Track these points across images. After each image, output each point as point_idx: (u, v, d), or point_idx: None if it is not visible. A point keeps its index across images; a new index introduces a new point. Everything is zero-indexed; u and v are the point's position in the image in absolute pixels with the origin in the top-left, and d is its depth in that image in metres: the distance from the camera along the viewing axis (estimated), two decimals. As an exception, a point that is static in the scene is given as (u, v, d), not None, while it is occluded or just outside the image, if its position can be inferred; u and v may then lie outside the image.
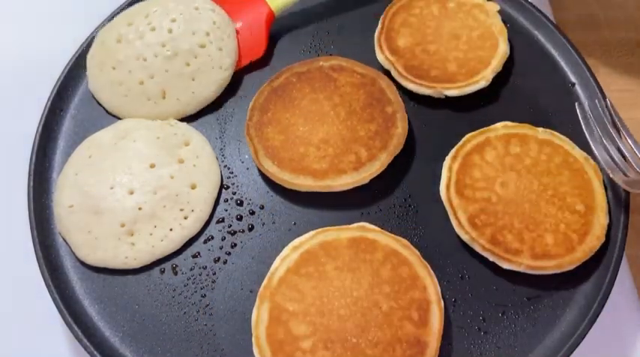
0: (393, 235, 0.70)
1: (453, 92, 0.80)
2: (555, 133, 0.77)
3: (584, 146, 0.77)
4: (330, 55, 0.86)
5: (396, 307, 0.66)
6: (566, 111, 0.81)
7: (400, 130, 0.77)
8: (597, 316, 0.67)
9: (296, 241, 0.71)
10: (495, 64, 0.81)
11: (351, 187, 0.74)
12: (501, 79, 0.83)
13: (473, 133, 0.77)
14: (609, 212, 0.73)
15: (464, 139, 0.77)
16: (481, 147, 0.76)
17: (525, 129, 0.77)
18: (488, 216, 0.71)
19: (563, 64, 0.85)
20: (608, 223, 0.71)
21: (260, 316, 0.66)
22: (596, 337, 0.67)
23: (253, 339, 0.65)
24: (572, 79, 0.84)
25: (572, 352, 0.66)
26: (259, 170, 0.77)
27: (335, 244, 0.69)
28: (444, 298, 0.68)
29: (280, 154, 0.76)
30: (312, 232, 0.71)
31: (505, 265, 0.69)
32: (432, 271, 0.68)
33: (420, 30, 0.86)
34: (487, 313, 0.69)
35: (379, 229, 0.71)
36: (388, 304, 0.66)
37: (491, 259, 0.70)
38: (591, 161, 0.75)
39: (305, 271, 0.68)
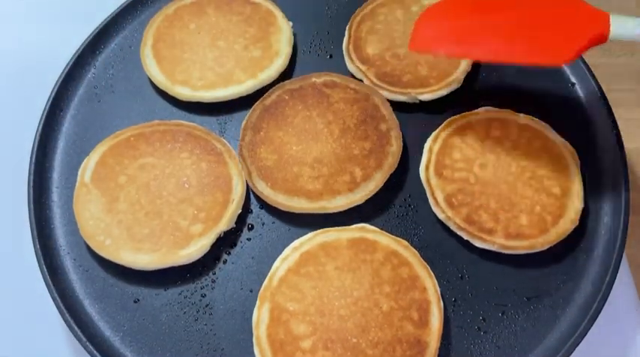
0: (393, 236, 0.71)
1: (426, 96, 0.80)
2: (535, 118, 0.78)
3: (584, 146, 0.77)
4: (323, 72, 0.83)
5: (396, 308, 0.66)
6: (566, 111, 0.81)
7: (395, 148, 0.76)
8: (597, 316, 0.67)
9: (296, 242, 0.71)
10: (464, 65, 0.81)
11: (345, 208, 0.73)
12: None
13: (455, 116, 0.78)
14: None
15: (445, 122, 0.77)
16: (462, 129, 0.77)
17: (506, 114, 0.78)
18: (465, 196, 0.72)
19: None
20: (583, 208, 0.72)
21: (260, 316, 0.66)
22: (596, 337, 0.67)
23: (254, 339, 0.66)
24: (572, 79, 0.84)
25: (572, 352, 0.66)
26: (253, 192, 0.76)
27: (335, 244, 0.69)
28: (443, 298, 0.68)
29: (274, 174, 0.75)
30: (312, 233, 0.71)
31: (478, 244, 0.70)
32: (431, 272, 0.68)
33: (388, 35, 0.85)
34: (487, 313, 0.69)
35: (379, 230, 0.71)
36: (388, 304, 0.66)
37: (465, 237, 0.71)
38: (569, 146, 0.76)
39: (305, 271, 0.68)
